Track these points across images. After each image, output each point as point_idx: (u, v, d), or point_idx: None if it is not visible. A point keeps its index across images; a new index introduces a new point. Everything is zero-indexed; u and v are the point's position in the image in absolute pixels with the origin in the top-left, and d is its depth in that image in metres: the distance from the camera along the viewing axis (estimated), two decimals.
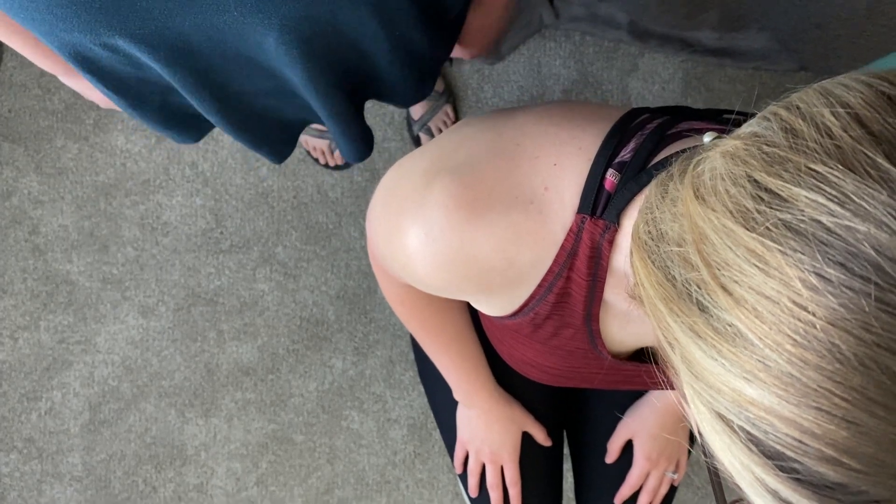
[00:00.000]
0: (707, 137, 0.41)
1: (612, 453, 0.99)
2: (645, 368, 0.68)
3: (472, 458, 0.98)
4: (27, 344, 1.50)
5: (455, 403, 0.98)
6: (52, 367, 1.51)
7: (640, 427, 0.97)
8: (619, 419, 0.99)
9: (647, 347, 0.67)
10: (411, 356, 1.52)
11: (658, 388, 0.91)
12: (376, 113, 1.51)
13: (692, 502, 1.52)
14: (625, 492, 0.98)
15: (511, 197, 0.54)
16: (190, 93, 0.65)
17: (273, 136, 0.82)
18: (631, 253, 0.44)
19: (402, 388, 1.52)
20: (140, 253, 1.50)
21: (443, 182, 0.55)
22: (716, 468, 0.38)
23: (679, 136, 0.53)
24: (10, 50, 1.49)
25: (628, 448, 0.98)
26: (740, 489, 0.37)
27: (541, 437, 0.98)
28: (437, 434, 1.52)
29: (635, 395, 0.98)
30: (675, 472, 0.98)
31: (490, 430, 0.95)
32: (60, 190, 1.50)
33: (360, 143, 0.81)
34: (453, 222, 0.54)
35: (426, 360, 1.01)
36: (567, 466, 1.32)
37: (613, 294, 0.56)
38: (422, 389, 1.52)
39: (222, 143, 1.50)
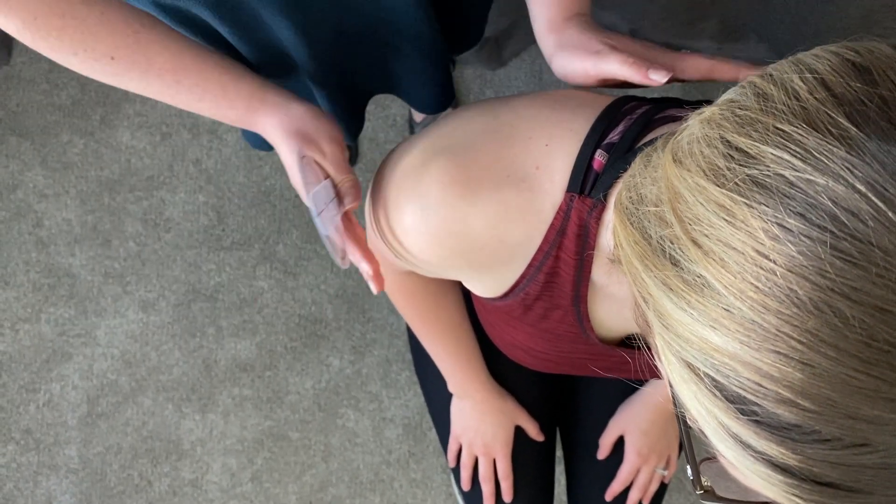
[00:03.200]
0: (691, 117, 0.43)
1: (604, 449, 1.00)
2: (633, 355, 0.70)
3: (465, 451, 0.99)
4: (28, 336, 1.52)
5: (450, 398, 0.99)
6: (51, 359, 1.52)
7: (631, 423, 0.98)
8: (611, 415, 1.00)
9: (635, 334, 0.68)
10: (408, 356, 1.53)
11: (646, 377, 0.92)
12: (378, 115, 1.53)
13: None
14: (615, 487, 0.99)
15: (504, 175, 0.56)
16: (291, 40, 0.67)
17: (347, 108, 0.84)
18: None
19: (399, 388, 1.53)
20: (142, 248, 1.52)
21: (439, 161, 0.57)
22: (685, 421, 0.40)
23: (666, 120, 0.55)
24: (19, 45, 1.52)
25: (620, 444, 0.99)
26: (706, 438, 0.39)
27: (533, 431, 0.99)
28: (431, 434, 1.53)
29: (627, 392, 1.00)
30: (665, 469, 0.99)
31: (483, 423, 0.96)
32: (65, 184, 1.52)
33: (441, 89, 0.84)
34: (448, 198, 0.56)
35: (422, 355, 1.02)
36: (559, 468, 1.33)
37: (601, 274, 0.58)
38: (418, 390, 1.53)
39: (226, 141, 1.52)
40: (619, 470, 0.98)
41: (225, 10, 0.64)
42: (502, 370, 0.97)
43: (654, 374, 0.48)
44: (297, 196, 1.52)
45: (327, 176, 0.66)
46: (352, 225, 0.66)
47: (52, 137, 1.52)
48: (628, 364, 0.72)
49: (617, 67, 0.57)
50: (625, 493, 0.99)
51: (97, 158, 1.52)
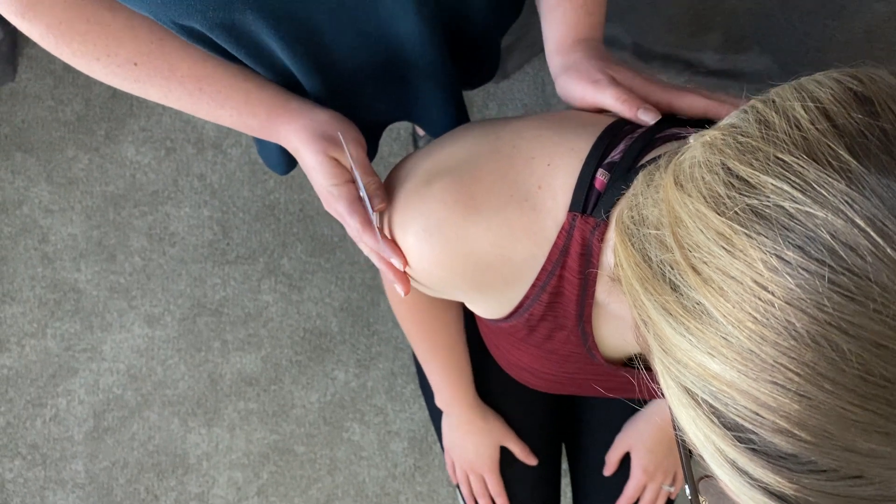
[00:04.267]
0: (693, 138, 0.43)
1: (610, 466, 1.00)
2: (637, 376, 0.70)
3: (458, 469, 1.00)
4: (34, 351, 1.52)
5: None
6: (57, 374, 1.52)
7: (637, 440, 0.98)
8: (617, 432, 1.00)
9: (639, 355, 0.68)
10: (412, 369, 1.53)
11: (651, 397, 0.92)
12: None
13: None
14: None
15: (507, 195, 0.56)
16: (304, 71, 0.66)
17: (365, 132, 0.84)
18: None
19: (404, 401, 1.53)
20: (147, 263, 1.52)
21: (442, 181, 0.57)
22: (684, 442, 0.40)
23: (668, 139, 0.55)
24: (24, 61, 1.53)
25: (626, 461, 0.99)
26: (704, 461, 0.39)
27: (521, 453, 0.99)
28: (437, 447, 1.53)
29: (633, 409, 1.00)
30: (671, 486, 0.99)
31: (466, 441, 0.97)
32: (70, 200, 1.52)
33: (455, 117, 0.82)
34: (451, 218, 0.56)
35: None
36: (565, 481, 1.33)
37: (605, 293, 0.58)
38: (423, 403, 1.53)
39: (231, 155, 1.53)
40: (625, 487, 0.98)
41: (238, 39, 0.64)
42: (506, 389, 0.97)
43: (658, 394, 0.48)
44: (301, 210, 1.53)
45: (353, 179, 0.66)
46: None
47: (57, 153, 1.53)
48: (633, 385, 0.72)
49: (610, 101, 0.59)
50: None
51: (102, 174, 1.52)
